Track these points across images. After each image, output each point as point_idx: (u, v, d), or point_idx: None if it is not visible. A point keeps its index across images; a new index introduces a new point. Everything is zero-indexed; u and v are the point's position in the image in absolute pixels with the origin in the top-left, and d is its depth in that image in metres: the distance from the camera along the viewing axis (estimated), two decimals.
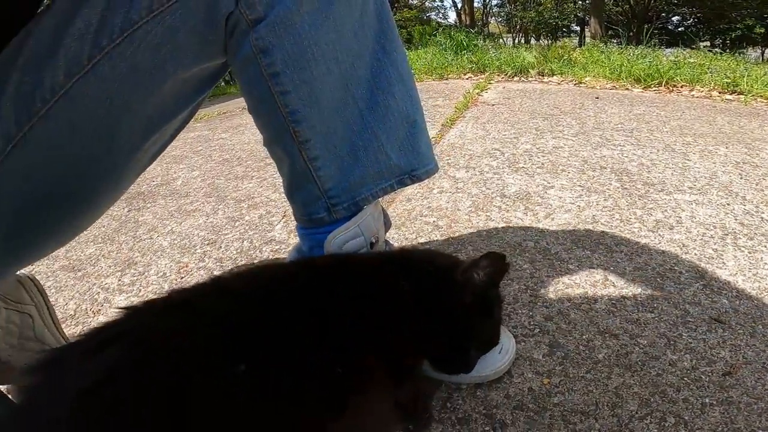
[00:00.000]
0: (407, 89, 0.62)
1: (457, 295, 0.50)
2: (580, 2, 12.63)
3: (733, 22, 11.02)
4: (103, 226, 1.35)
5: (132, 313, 0.36)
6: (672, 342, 0.69)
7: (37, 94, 0.44)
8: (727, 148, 1.48)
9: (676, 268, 0.86)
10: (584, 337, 0.70)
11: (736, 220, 1.02)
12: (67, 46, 0.44)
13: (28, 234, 0.53)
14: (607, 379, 0.63)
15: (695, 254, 0.90)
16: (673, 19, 13.06)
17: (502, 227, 1.03)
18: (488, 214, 1.10)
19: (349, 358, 0.39)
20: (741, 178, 1.24)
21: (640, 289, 0.80)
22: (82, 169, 0.51)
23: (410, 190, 1.31)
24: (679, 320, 0.73)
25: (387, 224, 0.73)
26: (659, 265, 0.87)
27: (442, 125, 2.00)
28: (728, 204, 1.09)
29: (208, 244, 1.13)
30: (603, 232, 0.99)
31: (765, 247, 0.92)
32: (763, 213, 1.04)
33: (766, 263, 0.86)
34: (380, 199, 0.66)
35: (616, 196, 1.16)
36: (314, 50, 0.52)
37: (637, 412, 0.58)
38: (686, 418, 0.57)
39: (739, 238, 0.95)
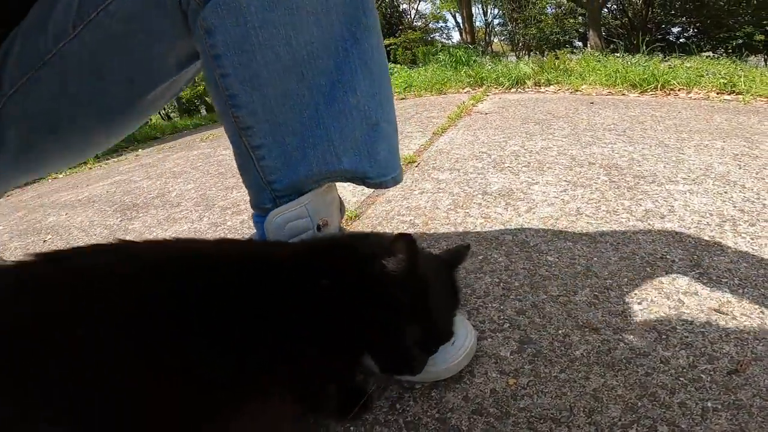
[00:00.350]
0: (374, 87, 0.56)
1: (375, 287, 0.43)
2: (581, 17, 12.83)
3: (732, 30, 11.06)
4: (95, 235, 1.41)
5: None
6: (664, 337, 0.60)
7: (34, 55, 0.54)
8: (724, 142, 1.40)
9: (668, 256, 0.78)
10: (560, 332, 0.62)
11: (735, 207, 0.94)
12: (55, 18, 0.53)
13: (36, 152, 0.64)
14: (584, 380, 0.54)
15: (690, 242, 0.82)
16: (674, 30, 13.16)
17: (481, 222, 0.96)
18: (467, 211, 1.04)
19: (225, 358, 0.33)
20: (739, 168, 1.15)
21: (626, 280, 0.72)
22: (77, 117, 0.61)
23: (391, 192, 1.25)
24: (672, 312, 0.65)
25: (342, 211, 0.68)
26: (648, 255, 0.79)
27: (433, 133, 1.97)
28: (725, 192, 1.01)
29: None
30: (588, 223, 0.91)
31: None
32: (765, 200, 0.96)
33: None
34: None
35: (604, 189, 1.09)
36: (259, 33, 0.49)
37: (620, 419, 0.48)
38: (683, 426, 0.47)
39: (740, 224, 0.87)
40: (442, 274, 0.51)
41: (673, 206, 0.96)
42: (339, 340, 0.43)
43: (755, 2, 10.74)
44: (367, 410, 0.51)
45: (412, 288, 0.44)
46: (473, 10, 12.05)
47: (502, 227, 0.93)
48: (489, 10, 16.97)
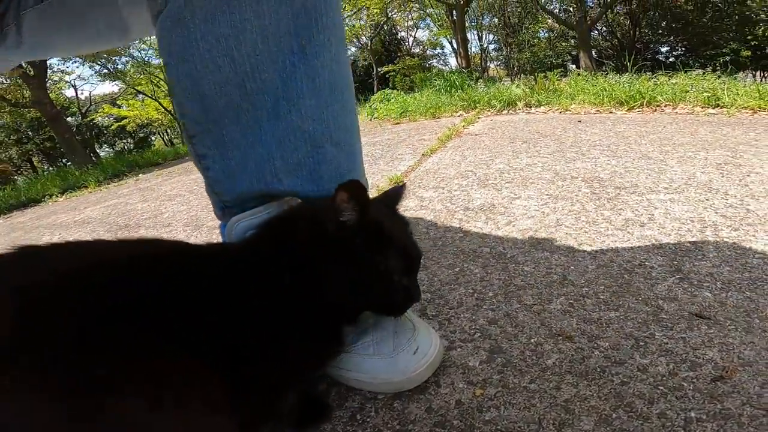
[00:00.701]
0: (321, 106, 0.53)
1: (334, 255, 0.44)
2: (572, 40, 13.20)
3: (718, 47, 11.31)
4: None
5: None
6: (642, 344, 0.58)
7: None
8: (707, 152, 1.41)
9: (646, 263, 0.76)
10: (532, 341, 0.60)
11: (717, 213, 0.93)
12: None
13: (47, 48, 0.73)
14: (555, 390, 0.52)
15: (670, 248, 0.80)
16: (662, 49, 13.48)
17: (460, 237, 0.95)
18: (448, 226, 1.03)
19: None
20: (722, 177, 1.15)
21: (602, 287, 0.70)
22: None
23: None
24: (650, 318, 0.63)
25: None
26: (627, 261, 0.77)
27: (422, 155, 1.99)
28: (707, 200, 1.00)
29: None
30: (566, 234, 0.90)
31: (754, 237, 0.81)
32: (749, 205, 0.95)
33: (756, 252, 0.76)
34: None
35: (584, 201, 1.08)
36: (200, 45, 0.50)
37: None
38: None
39: (722, 229, 0.85)
40: (390, 214, 0.52)
41: (653, 214, 0.95)
42: (299, 338, 0.42)
43: (737, 18, 11.05)
44: (326, 420, 0.49)
45: (372, 234, 0.44)
46: (469, 36, 12.45)
47: (481, 240, 0.92)
48: (484, 36, 17.54)
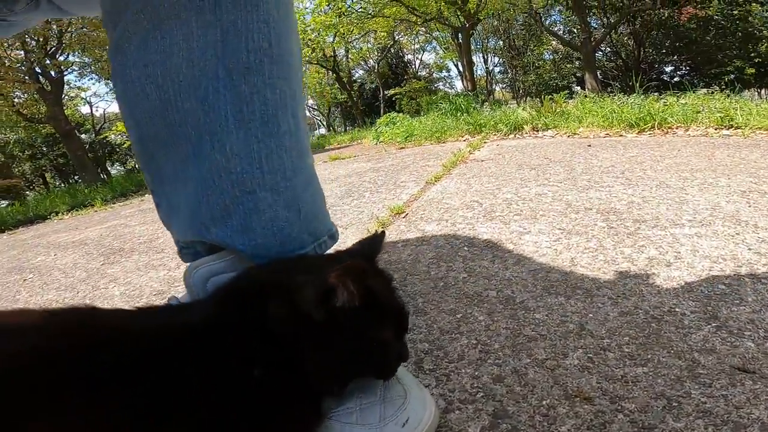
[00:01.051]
0: (251, 144, 0.45)
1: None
2: (577, 61, 13.31)
3: (723, 65, 11.30)
4: (72, 276, 1.44)
5: None
6: (675, 404, 0.49)
7: None
8: (729, 179, 1.32)
9: (677, 309, 0.67)
10: (544, 402, 0.51)
11: (750, 249, 0.84)
12: None
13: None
14: None
15: (702, 292, 0.72)
16: (666, 69, 13.50)
17: (463, 277, 0.88)
18: (450, 264, 0.95)
19: None
20: (749, 206, 1.06)
21: (627, 338, 0.62)
22: None
23: None
24: (684, 374, 0.54)
25: None
26: (654, 308, 0.68)
27: (426, 182, 1.93)
28: (737, 234, 0.91)
29: (155, 295, 1.10)
30: (582, 275, 0.82)
31: None
32: None
33: None
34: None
35: (601, 236, 1.00)
36: (132, 72, 0.47)
37: None
38: None
39: (758, 268, 0.77)
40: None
41: (679, 252, 0.87)
42: (275, 420, 0.36)
43: (740, 35, 11.07)
44: None
45: (365, 308, 0.38)
46: (474, 59, 12.65)
47: (486, 282, 0.84)
48: (489, 58, 17.80)
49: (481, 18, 10.34)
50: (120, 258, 1.56)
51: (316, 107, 19.78)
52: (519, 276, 0.85)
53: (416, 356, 0.63)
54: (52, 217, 4.05)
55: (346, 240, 1.28)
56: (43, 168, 15.60)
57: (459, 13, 9.62)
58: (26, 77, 7.57)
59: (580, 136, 2.82)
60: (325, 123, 19.50)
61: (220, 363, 0.36)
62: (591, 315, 0.69)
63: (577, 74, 14.10)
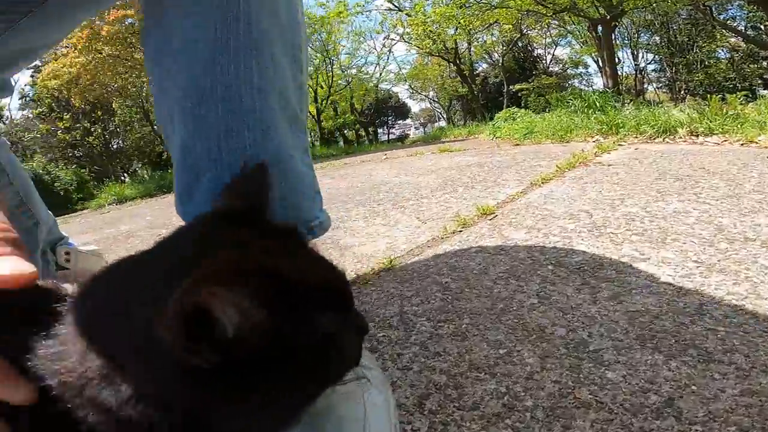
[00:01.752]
0: (211, 120, 0.43)
1: None
2: (765, 62, 10.53)
3: None
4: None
5: None
6: None
7: None
8: None
9: None
10: None
11: None
12: None
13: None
14: None
15: None
16: None
17: (531, 303, 0.69)
18: (522, 284, 0.77)
19: None
20: None
21: None
22: None
23: (445, 245, 1.05)
24: None
25: None
26: None
27: (531, 183, 1.69)
28: None
29: None
30: (708, 330, 0.57)
31: None
32: None
33: None
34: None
35: (759, 279, 0.69)
36: (155, 70, 0.50)
37: None
38: None
39: None
40: None
41: None
42: None
43: None
44: None
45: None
46: (620, 55, 10.94)
47: (559, 315, 0.64)
48: (642, 54, 15.24)
49: (626, 10, 8.78)
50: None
51: (436, 99, 19.58)
52: (608, 315, 0.63)
53: (425, 389, 0.50)
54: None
55: (418, 237, 1.17)
56: None
57: (598, 4, 8.33)
58: None
59: (758, 146, 2.16)
60: (444, 116, 19.24)
61: None
62: (695, 388, 0.46)
63: (765, 76, 11.17)
